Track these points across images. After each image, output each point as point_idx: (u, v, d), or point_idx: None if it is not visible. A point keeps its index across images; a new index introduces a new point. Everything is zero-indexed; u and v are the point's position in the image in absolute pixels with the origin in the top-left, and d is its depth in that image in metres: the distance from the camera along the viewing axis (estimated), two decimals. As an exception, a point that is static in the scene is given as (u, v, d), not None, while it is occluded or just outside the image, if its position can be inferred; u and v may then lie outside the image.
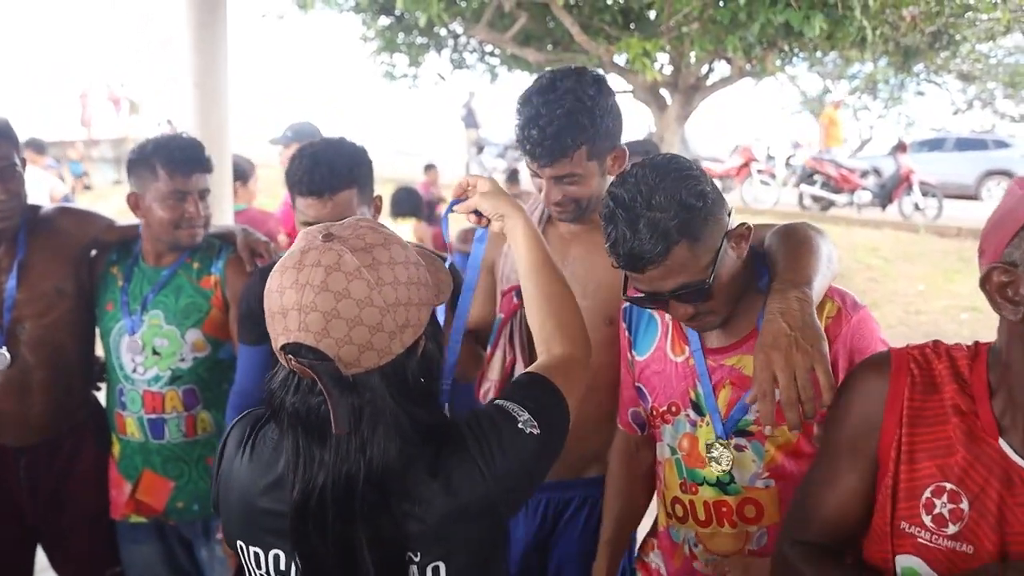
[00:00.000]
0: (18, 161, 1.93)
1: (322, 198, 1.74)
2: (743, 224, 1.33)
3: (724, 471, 1.39)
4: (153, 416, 2.03)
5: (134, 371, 2.03)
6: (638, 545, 1.73)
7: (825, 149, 13.43)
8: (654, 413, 1.50)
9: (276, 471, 1.05)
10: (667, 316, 1.47)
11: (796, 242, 1.36)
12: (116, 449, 2.11)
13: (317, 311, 0.95)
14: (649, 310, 1.51)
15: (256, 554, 1.07)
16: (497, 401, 1.11)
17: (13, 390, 2.00)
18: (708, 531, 1.44)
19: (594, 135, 1.57)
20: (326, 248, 0.98)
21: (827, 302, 1.33)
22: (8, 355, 1.96)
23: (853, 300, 1.35)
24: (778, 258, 1.35)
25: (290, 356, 0.98)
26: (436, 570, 1.03)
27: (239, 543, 1.09)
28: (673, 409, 1.45)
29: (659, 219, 1.21)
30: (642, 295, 1.32)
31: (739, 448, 1.39)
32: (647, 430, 1.60)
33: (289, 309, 0.97)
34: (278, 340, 0.99)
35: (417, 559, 1.02)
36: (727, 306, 1.33)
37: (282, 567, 1.06)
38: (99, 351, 2.16)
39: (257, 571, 1.08)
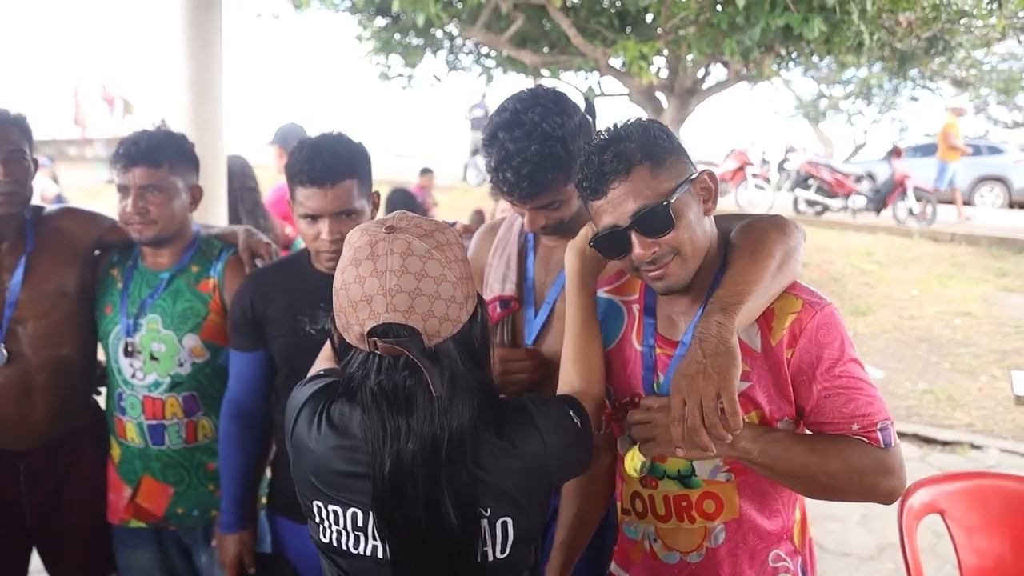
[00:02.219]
0: (28, 153, 1.91)
1: (323, 187, 1.71)
2: (706, 171, 1.36)
3: (636, 470, 1.40)
4: (153, 422, 2.00)
5: (132, 376, 1.99)
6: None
7: (943, 162, 12.08)
8: (616, 405, 1.50)
9: (350, 438, 1.16)
10: (634, 307, 1.49)
11: (747, 251, 1.34)
12: (116, 453, 2.08)
13: (402, 292, 1.07)
14: (617, 301, 1.53)
15: (335, 512, 1.19)
16: (548, 396, 1.32)
17: (15, 392, 1.96)
18: (668, 526, 1.44)
19: (568, 163, 1.52)
20: (393, 238, 1.09)
21: (793, 300, 1.33)
22: (5, 352, 1.93)
23: (819, 297, 1.35)
24: (729, 263, 1.35)
25: (374, 339, 1.09)
26: (504, 526, 1.17)
27: (316, 504, 1.21)
28: (636, 400, 1.45)
29: (623, 143, 1.30)
30: (606, 232, 1.33)
31: None
32: (603, 429, 1.60)
33: (374, 295, 1.08)
34: (365, 325, 1.09)
35: (487, 514, 1.16)
36: (691, 259, 1.32)
37: (360, 523, 1.18)
38: (101, 355, 2.13)
39: (334, 527, 1.20)
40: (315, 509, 1.22)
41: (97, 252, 2.10)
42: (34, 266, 1.97)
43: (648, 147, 1.30)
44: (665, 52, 5.76)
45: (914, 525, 1.91)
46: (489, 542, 1.17)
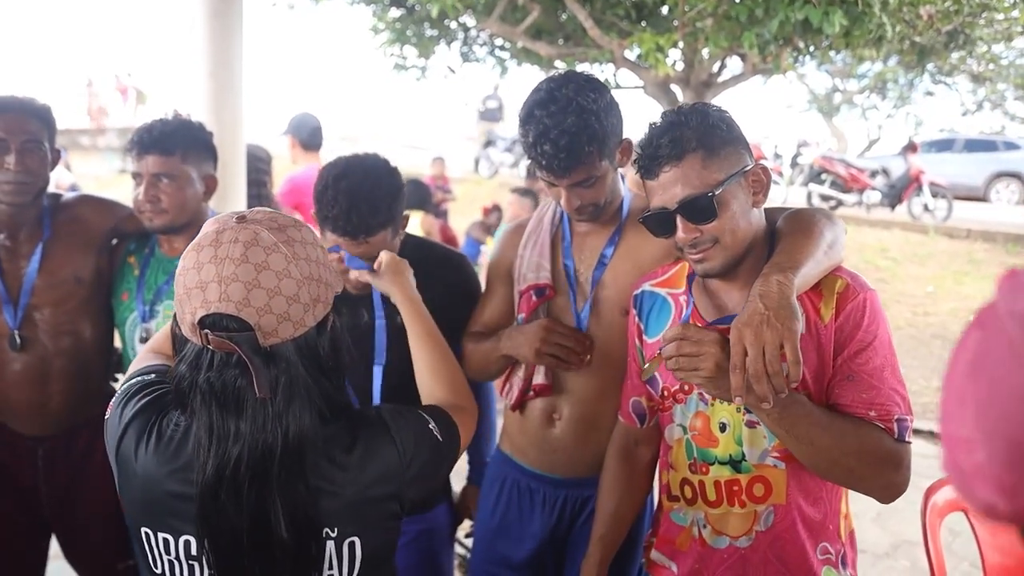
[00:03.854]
0: (46, 145, 1.92)
1: (356, 239, 1.67)
2: (759, 165, 1.38)
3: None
4: None
5: (149, 363, 2.01)
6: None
7: None
8: (665, 394, 1.52)
9: (184, 455, 1.06)
10: (681, 299, 1.52)
11: (799, 228, 1.39)
12: (134, 441, 2.09)
13: (238, 281, 0.98)
14: (664, 294, 1.56)
15: (165, 540, 1.08)
16: (409, 407, 1.24)
17: (32, 378, 1.98)
18: (718, 511, 1.46)
19: (603, 137, 1.58)
20: (242, 227, 1.02)
21: (836, 280, 1.36)
22: (19, 338, 1.94)
23: (863, 281, 1.38)
24: (779, 240, 1.39)
25: (206, 331, 1.00)
26: (352, 546, 1.09)
27: (144, 530, 1.09)
28: (686, 388, 1.47)
29: (681, 129, 1.33)
30: (655, 211, 1.37)
31: (751, 425, 1.41)
32: (647, 423, 1.63)
33: (209, 282, 0.99)
34: (196, 314, 1.01)
35: (334, 534, 1.07)
36: (733, 248, 1.36)
37: (193, 552, 1.07)
38: (118, 342, 2.15)
39: (165, 557, 1.09)
40: (143, 536, 1.10)
41: (115, 241, 2.11)
42: (50, 253, 1.98)
43: (705, 136, 1.33)
44: (681, 44, 5.72)
45: (938, 523, 1.90)
46: (335, 564, 1.08)
